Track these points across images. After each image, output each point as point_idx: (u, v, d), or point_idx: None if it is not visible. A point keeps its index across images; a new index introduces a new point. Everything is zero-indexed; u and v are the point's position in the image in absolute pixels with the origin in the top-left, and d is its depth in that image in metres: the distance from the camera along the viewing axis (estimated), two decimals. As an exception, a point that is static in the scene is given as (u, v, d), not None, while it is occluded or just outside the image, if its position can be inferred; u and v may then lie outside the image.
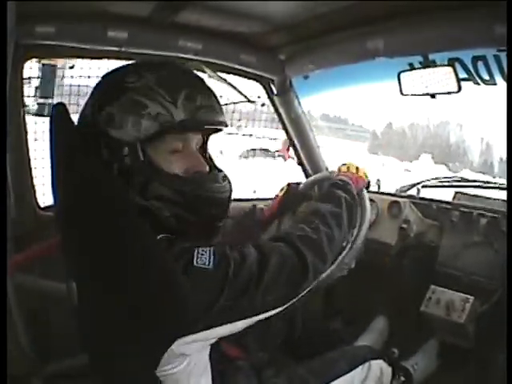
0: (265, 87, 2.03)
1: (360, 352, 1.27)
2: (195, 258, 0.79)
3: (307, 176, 2.19)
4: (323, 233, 0.96)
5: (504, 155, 8.62)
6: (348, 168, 1.32)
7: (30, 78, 1.69)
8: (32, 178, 1.69)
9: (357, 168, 1.31)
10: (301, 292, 0.91)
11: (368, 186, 1.35)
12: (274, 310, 0.88)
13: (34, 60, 1.66)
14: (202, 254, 0.80)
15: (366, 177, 1.33)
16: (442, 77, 1.47)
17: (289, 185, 1.55)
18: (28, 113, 1.70)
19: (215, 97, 0.92)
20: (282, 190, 1.58)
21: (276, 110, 2.09)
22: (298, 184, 1.59)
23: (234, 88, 1.87)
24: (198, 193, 0.87)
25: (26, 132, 1.64)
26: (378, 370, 1.24)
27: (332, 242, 0.98)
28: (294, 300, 0.91)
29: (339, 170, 1.35)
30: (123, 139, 0.84)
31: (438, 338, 1.61)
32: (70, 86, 1.78)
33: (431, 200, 1.79)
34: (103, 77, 0.95)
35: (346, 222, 1.06)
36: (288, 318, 1.36)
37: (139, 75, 0.86)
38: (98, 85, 0.93)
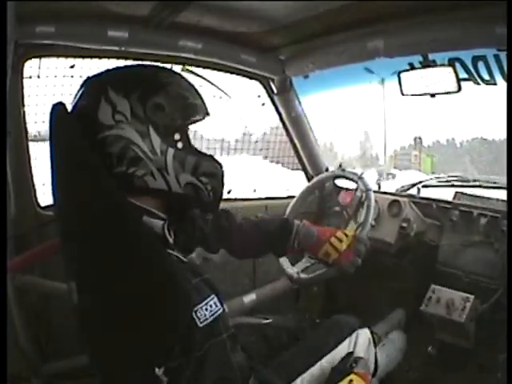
0: (265, 87, 2.03)
1: (347, 322, 1.26)
2: (200, 306, 0.83)
3: (307, 175, 2.20)
4: None
5: (398, 148, 8.30)
6: None
7: (30, 77, 1.68)
8: (32, 178, 1.69)
9: None
10: None
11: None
12: None
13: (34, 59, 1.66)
14: (207, 309, 0.84)
15: None
16: (442, 77, 1.47)
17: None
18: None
19: None
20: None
21: (276, 110, 2.09)
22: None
23: (211, 83, 1.84)
24: (222, 167, 0.99)
25: (26, 132, 1.64)
26: (365, 339, 1.24)
27: None
28: None
29: None
30: (174, 125, 0.92)
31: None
32: (70, 85, 1.78)
33: (431, 199, 1.79)
34: (111, 74, 0.94)
35: None
36: (294, 335, 1.33)
37: (168, 73, 0.97)
38: (107, 81, 0.91)
